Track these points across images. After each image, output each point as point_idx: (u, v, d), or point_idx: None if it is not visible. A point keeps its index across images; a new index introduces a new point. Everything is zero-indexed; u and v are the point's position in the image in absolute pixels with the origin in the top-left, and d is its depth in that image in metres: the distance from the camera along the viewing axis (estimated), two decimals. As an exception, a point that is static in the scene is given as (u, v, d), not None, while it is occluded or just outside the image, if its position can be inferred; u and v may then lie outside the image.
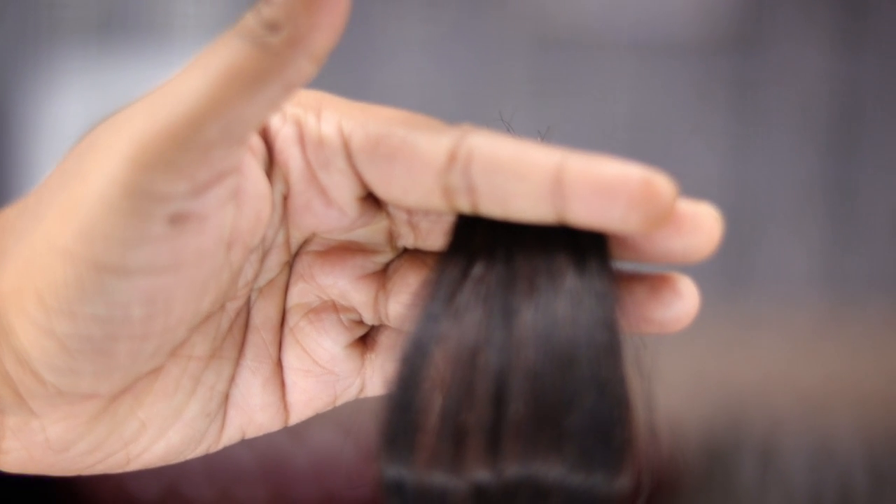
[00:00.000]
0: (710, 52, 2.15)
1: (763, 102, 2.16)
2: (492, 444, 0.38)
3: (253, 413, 0.45)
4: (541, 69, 2.16)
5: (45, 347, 0.40)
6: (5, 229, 0.43)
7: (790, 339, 2.13)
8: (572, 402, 0.38)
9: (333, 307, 0.45)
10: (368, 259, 0.44)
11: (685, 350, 1.98)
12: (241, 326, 0.44)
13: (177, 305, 0.41)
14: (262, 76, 0.37)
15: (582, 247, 0.40)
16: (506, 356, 0.38)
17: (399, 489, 0.39)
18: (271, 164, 0.42)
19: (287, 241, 0.44)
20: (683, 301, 0.41)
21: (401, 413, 0.39)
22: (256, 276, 0.44)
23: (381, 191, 0.41)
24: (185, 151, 0.38)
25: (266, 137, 0.42)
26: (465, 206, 0.40)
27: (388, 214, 0.43)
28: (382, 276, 0.44)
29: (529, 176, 0.39)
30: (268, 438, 1.66)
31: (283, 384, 0.45)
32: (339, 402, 0.46)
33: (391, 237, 0.44)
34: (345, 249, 0.44)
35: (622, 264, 0.41)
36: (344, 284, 0.44)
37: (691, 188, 0.40)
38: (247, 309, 0.45)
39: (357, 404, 0.46)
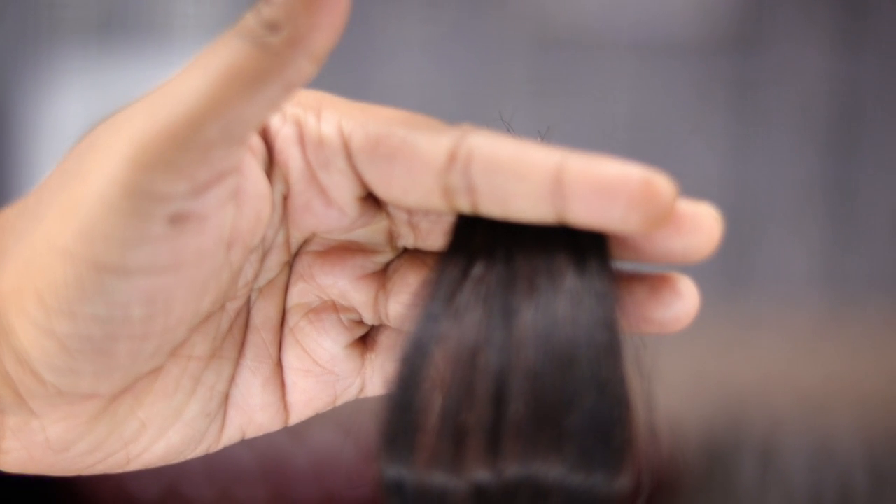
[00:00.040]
0: (710, 52, 2.15)
1: (763, 102, 2.16)
2: (492, 444, 0.38)
3: (253, 413, 0.45)
4: (541, 69, 2.16)
5: (45, 347, 0.40)
6: (5, 229, 0.43)
7: (790, 339, 2.13)
8: (572, 402, 0.38)
9: (333, 307, 0.45)
10: (368, 259, 0.44)
11: (685, 350, 1.98)
12: (241, 326, 0.44)
13: (177, 305, 0.40)
14: (262, 76, 0.37)
15: (582, 247, 0.39)
16: (506, 356, 0.38)
17: (399, 489, 0.39)
18: (271, 164, 0.42)
19: (287, 241, 0.44)
20: (683, 301, 0.41)
21: (401, 413, 0.39)
22: (256, 276, 0.44)
23: (381, 191, 0.41)
24: (185, 151, 0.38)
25: (266, 137, 0.42)
26: (465, 206, 0.40)
27: (388, 214, 0.43)
28: (382, 276, 0.44)
29: (529, 176, 0.38)
30: (268, 438, 1.66)
31: (283, 384, 0.45)
32: (339, 402, 0.46)
33: (391, 237, 0.44)
34: (345, 249, 0.44)
35: (622, 264, 0.41)
36: (344, 284, 0.44)
37: (691, 188, 0.40)
38: (247, 309, 0.45)
39: (357, 404, 0.46)
